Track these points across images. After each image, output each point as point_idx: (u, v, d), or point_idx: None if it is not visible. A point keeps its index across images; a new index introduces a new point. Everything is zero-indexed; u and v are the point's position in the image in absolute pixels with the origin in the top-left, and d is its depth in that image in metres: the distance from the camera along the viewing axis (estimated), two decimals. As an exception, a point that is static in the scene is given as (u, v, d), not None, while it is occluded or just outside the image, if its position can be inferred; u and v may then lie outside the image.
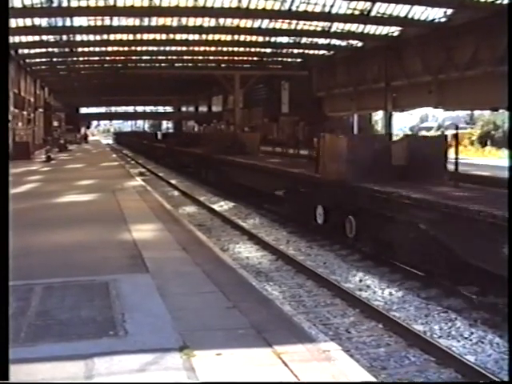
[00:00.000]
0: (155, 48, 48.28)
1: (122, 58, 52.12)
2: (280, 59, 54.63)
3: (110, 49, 48.22)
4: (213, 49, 48.72)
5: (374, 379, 6.04)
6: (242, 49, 49.02)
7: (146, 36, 43.26)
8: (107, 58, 52.27)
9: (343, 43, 45.45)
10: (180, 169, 40.69)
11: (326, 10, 35.52)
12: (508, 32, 12.83)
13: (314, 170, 18.24)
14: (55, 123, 74.85)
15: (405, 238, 13.25)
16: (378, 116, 59.12)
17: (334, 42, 45.44)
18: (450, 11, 34.21)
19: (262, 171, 23.28)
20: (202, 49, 48.88)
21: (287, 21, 39.32)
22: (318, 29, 40.46)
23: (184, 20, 38.20)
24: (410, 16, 35.90)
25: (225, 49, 48.68)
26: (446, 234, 12.09)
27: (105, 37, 42.86)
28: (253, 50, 49.69)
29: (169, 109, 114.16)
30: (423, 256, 12.81)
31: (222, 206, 24.41)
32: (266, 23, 39.63)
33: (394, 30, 40.01)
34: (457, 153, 16.17)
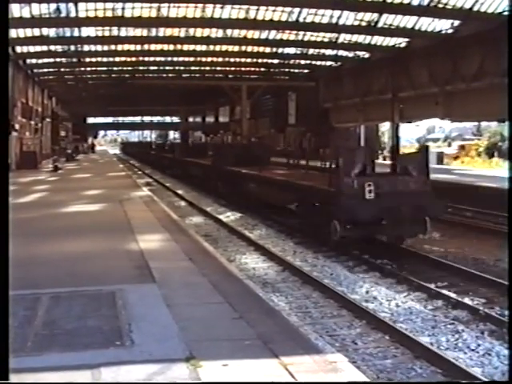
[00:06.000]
0: (163, 58, 48.43)
1: (130, 68, 52.35)
2: (287, 70, 54.73)
3: (117, 59, 48.39)
4: (220, 59, 48.85)
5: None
6: (249, 59, 49.15)
7: (153, 46, 43.45)
8: (115, 68, 52.52)
9: (350, 54, 45.55)
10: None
11: (333, 21, 35.61)
12: (508, 42, 12.85)
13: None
14: (62, 133, 75.08)
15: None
16: (384, 127, 59.15)
17: (341, 53, 45.55)
18: (456, 23, 34.27)
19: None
20: (209, 59, 49.04)
21: (294, 32, 39.47)
22: (325, 40, 40.56)
23: (191, 31, 38.35)
24: (417, 27, 35.97)
25: (232, 59, 48.79)
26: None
27: (112, 47, 43.09)
28: (260, 60, 49.84)
29: (176, 119, 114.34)
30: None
31: (229, 216, 24.37)
32: (273, 34, 39.79)
33: (401, 42, 40.07)
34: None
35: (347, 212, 16.03)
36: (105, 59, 48.47)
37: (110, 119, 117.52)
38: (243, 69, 53.58)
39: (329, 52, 45.46)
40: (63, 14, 32.09)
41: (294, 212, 20.34)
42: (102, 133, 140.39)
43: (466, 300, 11.90)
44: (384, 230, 16.55)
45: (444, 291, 12.49)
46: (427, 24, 35.83)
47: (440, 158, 52.58)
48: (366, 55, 44.94)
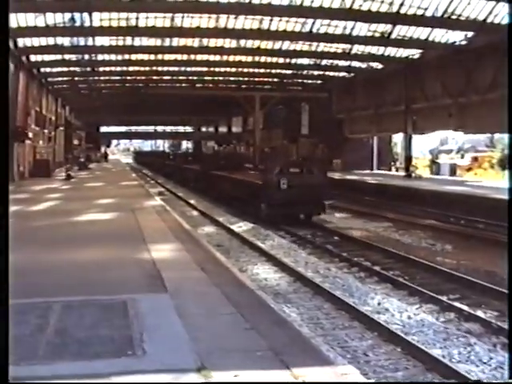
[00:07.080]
0: (176, 68, 48.59)
1: (143, 77, 52.52)
2: (300, 81, 54.81)
3: (131, 68, 48.56)
4: (233, 70, 48.96)
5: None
6: (262, 70, 49.22)
7: (167, 56, 43.63)
8: (128, 77, 52.68)
9: (363, 65, 45.60)
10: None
11: (347, 32, 35.64)
12: (508, 52, 12.77)
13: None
14: (75, 141, 75.30)
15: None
16: (397, 138, 59.08)
17: (355, 64, 45.60)
18: (470, 34, 34.22)
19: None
20: (222, 70, 49.14)
21: (308, 43, 39.54)
22: (339, 51, 40.63)
23: (205, 41, 38.49)
24: (430, 39, 35.96)
25: (245, 70, 48.90)
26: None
27: (126, 57, 43.24)
28: (273, 71, 49.91)
29: (189, 129, 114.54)
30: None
31: (241, 226, 24.36)
32: (286, 45, 39.86)
33: (415, 53, 40.08)
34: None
35: (269, 197, 24.65)
36: (118, 68, 48.61)
37: (123, 128, 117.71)
38: (256, 79, 53.71)
39: (342, 63, 45.54)
40: (77, 24, 32.26)
41: (245, 199, 27.73)
42: (114, 142, 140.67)
43: (479, 313, 11.85)
44: (295, 209, 24.63)
45: (456, 303, 12.45)
46: (441, 35, 35.81)
47: (453, 169, 52.43)
48: (380, 66, 44.99)
